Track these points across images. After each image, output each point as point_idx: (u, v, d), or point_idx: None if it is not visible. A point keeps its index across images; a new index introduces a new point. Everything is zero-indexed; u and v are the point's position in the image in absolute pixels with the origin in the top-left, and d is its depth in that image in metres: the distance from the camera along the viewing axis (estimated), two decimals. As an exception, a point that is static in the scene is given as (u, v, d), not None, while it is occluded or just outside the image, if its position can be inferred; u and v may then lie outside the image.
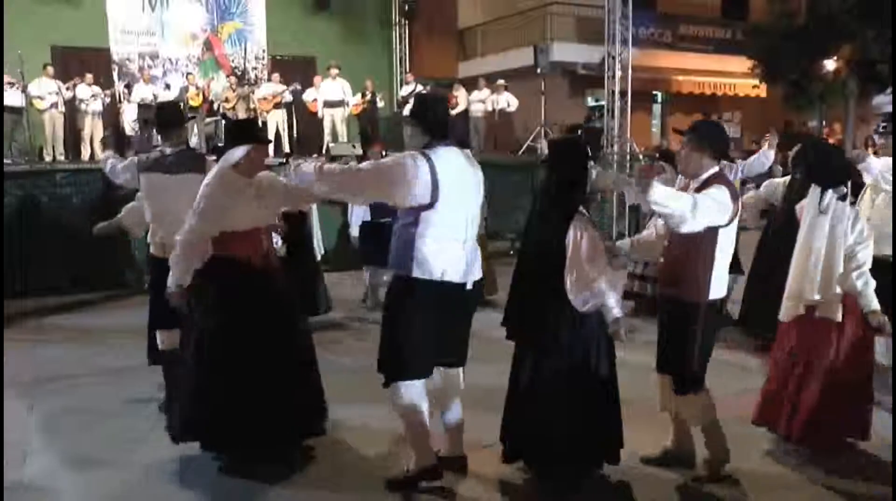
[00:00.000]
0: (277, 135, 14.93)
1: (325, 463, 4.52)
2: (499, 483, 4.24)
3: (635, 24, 16.31)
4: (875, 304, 4.33)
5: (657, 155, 8.16)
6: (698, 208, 3.79)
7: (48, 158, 13.65)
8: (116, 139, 13.57)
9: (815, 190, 4.48)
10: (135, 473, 4.42)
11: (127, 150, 14.74)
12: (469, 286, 4.01)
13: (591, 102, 21.30)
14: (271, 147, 14.56)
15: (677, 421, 4.38)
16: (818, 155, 5.10)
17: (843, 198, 4.35)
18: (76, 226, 9.30)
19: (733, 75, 20.92)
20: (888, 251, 5.32)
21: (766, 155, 7.42)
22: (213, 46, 17.33)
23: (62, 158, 13.86)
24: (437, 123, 3.97)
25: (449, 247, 3.88)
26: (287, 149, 14.91)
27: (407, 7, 18.28)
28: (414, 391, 4.00)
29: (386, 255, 4.09)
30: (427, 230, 3.83)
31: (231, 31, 17.50)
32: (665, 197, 3.74)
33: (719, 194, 3.89)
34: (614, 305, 3.84)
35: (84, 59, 15.56)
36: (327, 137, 14.89)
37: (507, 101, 15.90)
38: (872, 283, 4.36)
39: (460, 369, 4.27)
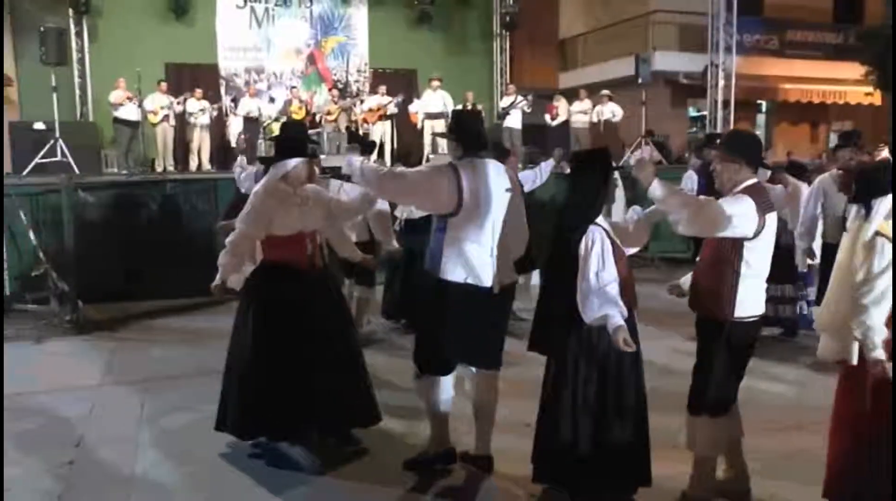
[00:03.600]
0: (381, 146, 15.17)
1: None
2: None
3: (740, 31, 15.93)
4: (877, 353, 3.35)
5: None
6: (702, 213, 3.63)
7: (159, 169, 14.19)
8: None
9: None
10: (238, 469, 4.56)
11: (233, 161, 15.31)
12: (496, 291, 4.14)
13: (692, 112, 20.88)
14: (375, 156, 14.90)
15: (730, 454, 4.07)
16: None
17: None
18: (183, 232, 9.70)
19: (845, 82, 20.09)
20: None
21: None
22: (317, 60, 17.74)
23: (171, 168, 14.38)
24: (470, 138, 4.25)
25: (473, 252, 4.10)
26: (389, 160, 15.15)
27: (508, 18, 18.25)
28: (437, 386, 4.30)
29: None
30: (452, 236, 4.11)
31: (334, 45, 17.88)
32: (665, 195, 3.67)
33: (737, 204, 3.67)
34: (615, 313, 3.65)
35: (194, 75, 16.15)
36: (427, 149, 15.02)
37: (612, 111, 15.65)
38: (879, 331, 3.36)
39: (494, 372, 4.35)
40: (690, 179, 7.80)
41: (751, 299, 3.80)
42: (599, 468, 3.79)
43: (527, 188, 7.80)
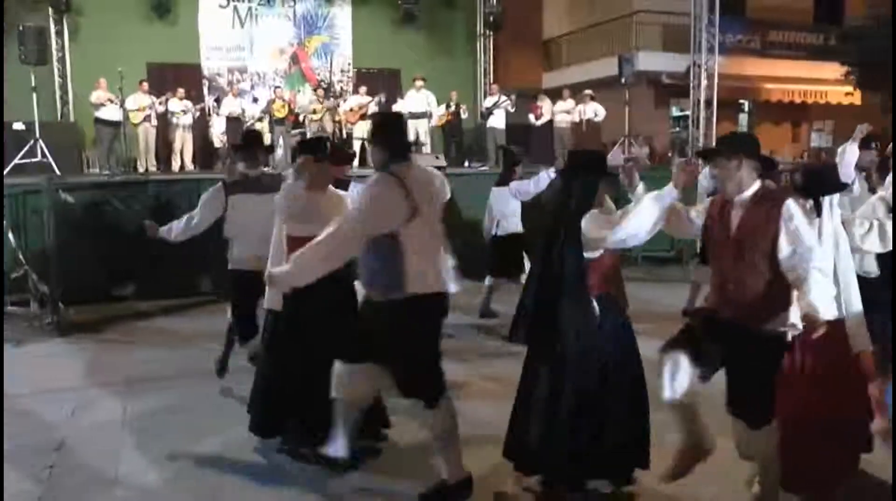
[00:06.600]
0: (363, 147, 15.12)
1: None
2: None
3: (723, 31, 16.02)
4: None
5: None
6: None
7: (141, 170, 14.10)
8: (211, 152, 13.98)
9: None
10: (222, 470, 4.55)
11: (216, 162, 15.25)
12: (453, 292, 4.04)
13: (675, 111, 20.98)
14: (357, 158, 14.84)
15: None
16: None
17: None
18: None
19: (826, 82, 20.24)
20: None
21: (849, 152, 5.98)
22: (300, 60, 17.68)
23: (154, 169, 14.30)
24: (398, 143, 4.04)
25: (433, 258, 3.91)
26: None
27: (492, 18, 18.27)
28: (444, 407, 3.98)
29: None
30: (410, 246, 3.80)
31: (317, 45, 17.84)
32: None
33: (805, 222, 3.53)
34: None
35: (177, 75, 16.02)
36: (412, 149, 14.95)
37: (594, 111, 15.67)
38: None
39: None
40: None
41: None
42: (591, 458, 3.81)
43: (525, 198, 7.73)
